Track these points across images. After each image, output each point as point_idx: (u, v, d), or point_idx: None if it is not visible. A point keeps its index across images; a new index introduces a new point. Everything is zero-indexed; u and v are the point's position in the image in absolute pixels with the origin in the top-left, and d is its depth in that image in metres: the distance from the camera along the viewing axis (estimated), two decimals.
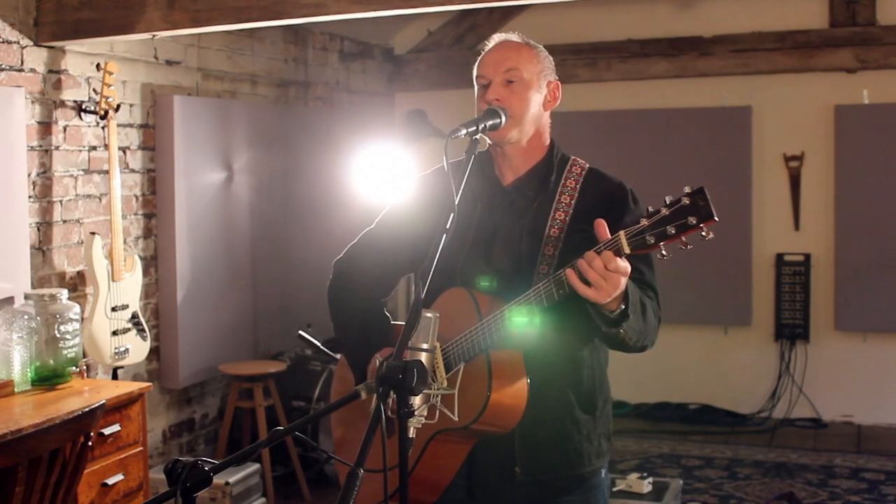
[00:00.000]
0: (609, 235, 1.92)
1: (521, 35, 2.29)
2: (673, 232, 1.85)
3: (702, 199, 1.84)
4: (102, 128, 4.28)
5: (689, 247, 1.88)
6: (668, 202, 1.87)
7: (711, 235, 1.86)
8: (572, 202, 2.20)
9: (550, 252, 2.16)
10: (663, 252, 1.88)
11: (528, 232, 2.20)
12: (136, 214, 4.60)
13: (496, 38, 2.30)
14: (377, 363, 2.25)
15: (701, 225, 1.84)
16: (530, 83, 2.21)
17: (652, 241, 1.87)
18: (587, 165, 2.29)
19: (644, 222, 1.88)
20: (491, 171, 2.30)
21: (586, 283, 1.92)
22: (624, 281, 1.93)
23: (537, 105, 2.23)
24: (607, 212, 2.17)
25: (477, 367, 2.10)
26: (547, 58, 2.27)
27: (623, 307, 1.99)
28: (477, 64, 2.27)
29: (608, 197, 2.22)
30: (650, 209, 1.88)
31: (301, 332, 3.85)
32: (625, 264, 1.91)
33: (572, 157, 2.31)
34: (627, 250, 1.89)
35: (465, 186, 2.21)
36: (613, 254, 1.89)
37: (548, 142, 2.30)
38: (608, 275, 1.90)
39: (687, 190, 1.86)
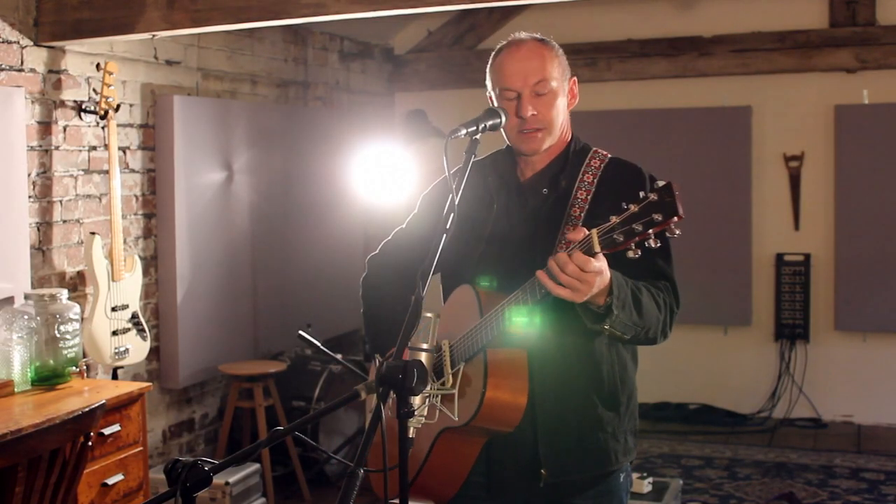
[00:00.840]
0: (581, 236, 1.87)
1: (530, 34, 2.24)
2: (640, 229, 1.78)
3: (668, 195, 1.77)
4: (102, 128, 4.28)
5: (658, 244, 1.80)
6: (640, 197, 1.81)
7: (678, 233, 1.79)
8: (588, 198, 2.17)
9: (563, 251, 2.14)
10: (636, 252, 1.82)
11: (542, 231, 2.19)
12: (136, 214, 4.60)
13: (513, 39, 2.23)
14: (376, 363, 2.26)
15: (669, 222, 1.76)
16: (558, 91, 2.19)
17: (621, 240, 1.80)
18: (608, 157, 2.26)
19: (614, 220, 1.82)
20: (511, 171, 2.29)
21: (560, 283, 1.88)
22: (600, 279, 1.89)
23: (564, 109, 2.23)
24: (622, 200, 2.16)
25: (476, 365, 2.11)
26: (563, 54, 2.24)
27: (609, 301, 1.94)
28: (496, 70, 2.21)
29: (624, 185, 2.15)
30: (623, 205, 1.82)
31: (301, 332, 3.84)
32: (598, 264, 1.86)
33: (593, 149, 2.27)
34: (598, 249, 1.84)
35: (481, 187, 2.21)
36: (584, 252, 1.85)
37: (568, 137, 2.28)
38: (582, 275, 1.86)
39: (658, 184, 1.80)
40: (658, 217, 1.77)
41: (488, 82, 2.26)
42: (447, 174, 2.03)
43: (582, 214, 2.15)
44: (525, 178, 2.27)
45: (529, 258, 2.17)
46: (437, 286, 2.27)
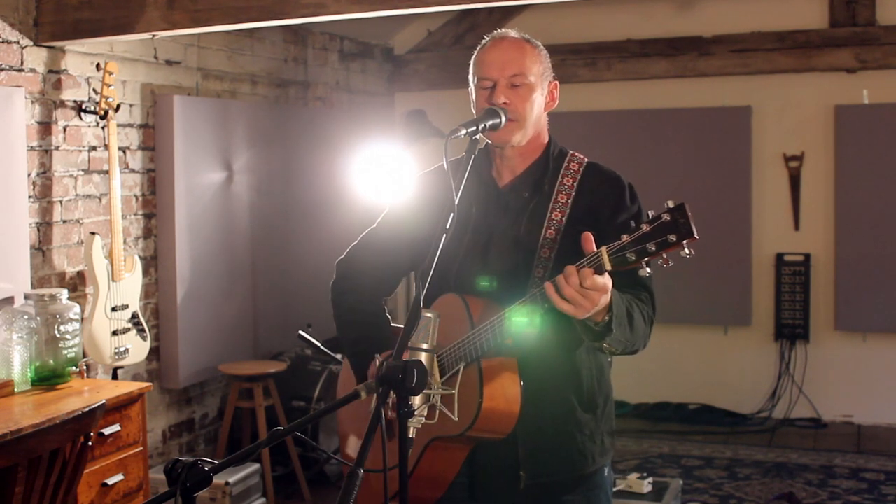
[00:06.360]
0: (594, 249, 1.88)
1: (518, 32, 2.25)
2: (653, 249, 1.82)
3: (682, 216, 1.79)
4: (102, 128, 4.28)
5: (669, 264, 1.84)
6: (649, 217, 1.83)
7: (692, 253, 1.81)
8: (569, 201, 2.18)
9: (547, 254, 2.15)
10: (647, 270, 1.85)
11: (525, 234, 2.19)
12: (136, 214, 4.60)
13: (496, 34, 2.25)
14: (377, 363, 2.25)
15: (682, 242, 1.80)
16: (535, 85, 2.18)
17: (633, 259, 1.84)
18: (586, 160, 2.26)
19: (625, 238, 1.84)
20: (487, 173, 2.28)
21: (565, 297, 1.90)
22: (604, 297, 1.90)
23: (540, 107, 2.22)
24: (603, 209, 2.17)
25: (469, 375, 2.10)
26: (547, 56, 2.25)
27: (607, 319, 1.96)
28: (476, 62, 2.23)
29: (604, 193, 2.20)
30: (632, 223, 1.85)
31: (301, 332, 3.86)
32: (603, 281, 1.88)
33: (570, 152, 2.28)
34: (609, 267, 1.86)
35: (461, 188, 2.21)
36: (595, 270, 1.86)
37: (546, 140, 2.28)
38: (585, 292, 1.87)
39: (669, 205, 1.82)
40: (672, 238, 1.80)
41: (470, 77, 2.26)
42: (448, 172, 2.02)
43: (563, 218, 2.16)
44: (504, 182, 2.26)
45: (513, 262, 2.18)
46: (408, 287, 2.27)
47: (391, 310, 2.56)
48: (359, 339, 2.36)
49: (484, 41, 2.26)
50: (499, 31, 2.27)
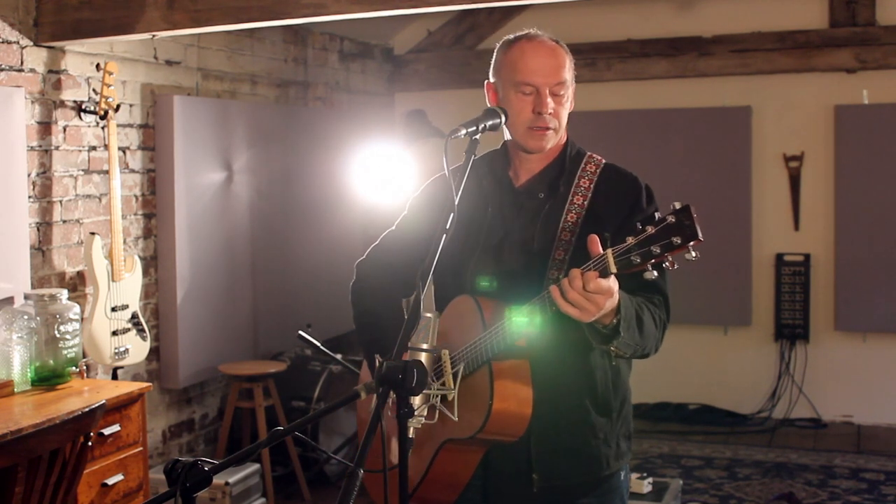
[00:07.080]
0: (601, 251, 1.87)
1: (551, 35, 2.21)
2: (658, 251, 1.80)
3: (687, 218, 1.78)
4: (102, 128, 4.29)
5: (674, 266, 1.83)
6: (656, 219, 1.82)
7: (697, 255, 1.80)
8: (585, 203, 2.16)
9: (561, 256, 2.13)
10: (653, 273, 1.83)
11: (539, 235, 2.17)
12: (136, 214, 4.60)
13: (531, 35, 2.20)
14: (377, 363, 2.25)
15: (688, 245, 1.78)
16: (569, 95, 2.19)
17: (638, 261, 1.82)
18: (603, 162, 2.25)
19: (630, 241, 1.83)
20: (503, 173, 2.27)
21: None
22: (610, 301, 1.89)
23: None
24: (619, 211, 2.15)
25: (480, 376, 2.09)
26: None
27: (615, 322, 1.95)
28: (513, 65, 2.17)
29: (621, 195, 2.18)
30: (639, 226, 1.83)
31: (301, 332, 3.85)
32: (608, 284, 1.86)
33: (588, 154, 2.26)
34: (615, 270, 1.85)
35: (476, 189, 2.18)
36: (600, 273, 1.85)
37: (563, 139, 2.26)
38: (589, 296, 1.86)
39: (675, 206, 1.80)
40: (677, 240, 1.78)
41: (495, 73, 2.22)
42: (447, 173, 2.01)
43: (579, 220, 2.15)
44: (520, 182, 2.25)
45: (527, 263, 2.17)
46: (428, 288, 2.26)
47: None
48: (374, 340, 2.36)
49: (509, 39, 2.22)
50: (531, 31, 2.22)
